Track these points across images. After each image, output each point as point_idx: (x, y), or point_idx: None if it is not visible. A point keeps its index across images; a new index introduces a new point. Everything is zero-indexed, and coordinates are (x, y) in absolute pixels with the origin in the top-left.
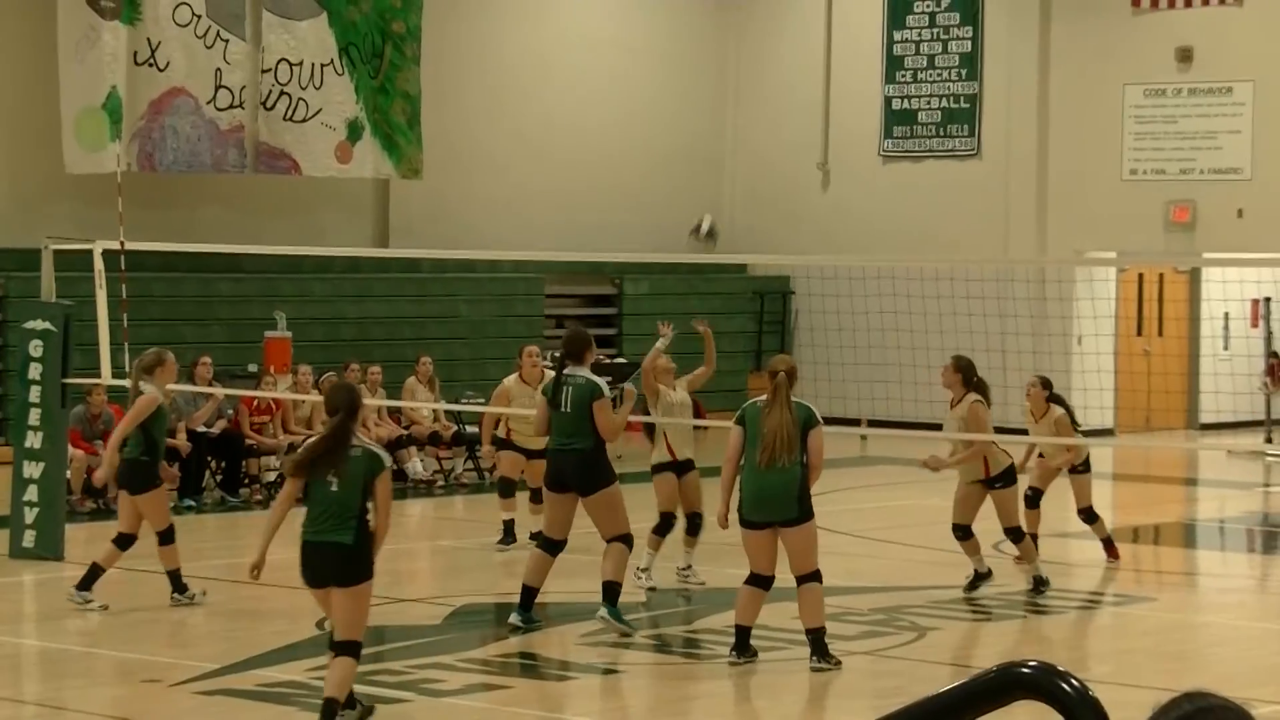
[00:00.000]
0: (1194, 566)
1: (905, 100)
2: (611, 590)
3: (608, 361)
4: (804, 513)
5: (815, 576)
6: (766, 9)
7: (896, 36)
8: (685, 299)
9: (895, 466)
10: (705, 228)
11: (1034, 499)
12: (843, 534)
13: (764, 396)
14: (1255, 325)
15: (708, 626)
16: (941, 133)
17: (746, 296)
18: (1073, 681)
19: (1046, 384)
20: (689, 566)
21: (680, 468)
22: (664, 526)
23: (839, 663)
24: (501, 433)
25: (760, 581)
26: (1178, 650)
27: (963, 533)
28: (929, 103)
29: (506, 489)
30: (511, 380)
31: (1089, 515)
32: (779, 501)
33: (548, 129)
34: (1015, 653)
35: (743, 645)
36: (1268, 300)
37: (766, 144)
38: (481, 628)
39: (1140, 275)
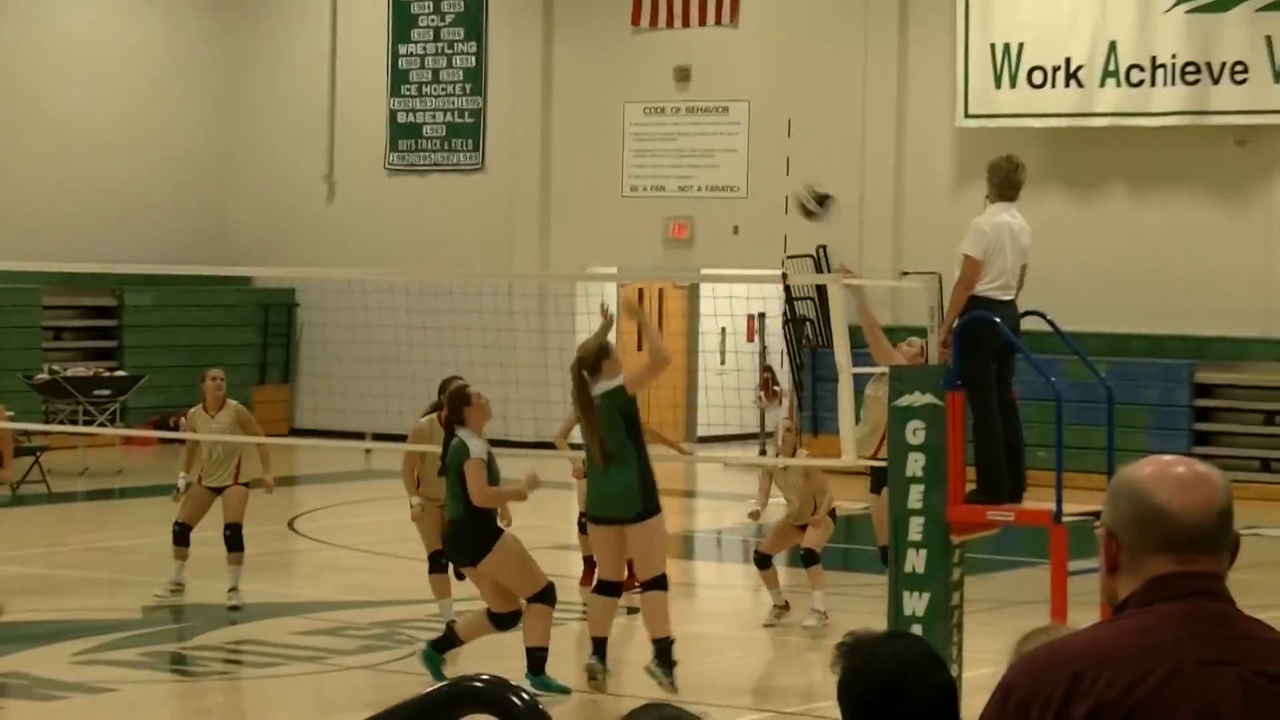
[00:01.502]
0: (692, 577)
1: (410, 114)
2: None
3: (108, 374)
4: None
5: (659, 583)
6: (273, 18)
7: (401, 50)
8: (189, 310)
9: (398, 480)
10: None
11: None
12: (345, 548)
13: None
14: (750, 339)
15: (205, 643)
16: (446, 147)
17: (251, 309)
18: (524, 695)
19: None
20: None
21: None
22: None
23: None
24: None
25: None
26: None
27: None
28: (434, 116)
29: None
30: (196, 411)
31: None
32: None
33: (47, 133)
34: (500, 665)
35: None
36: (762, 316)
37: (273, 155)
38: None
39: (640, 290)
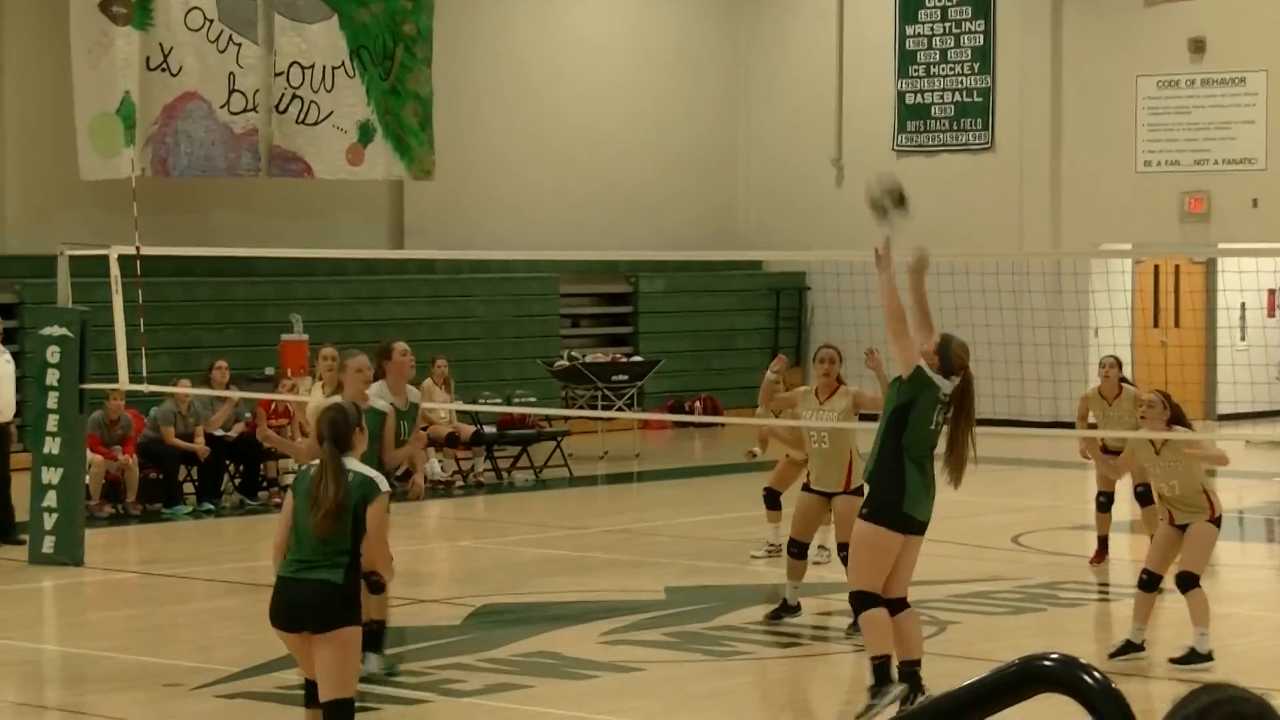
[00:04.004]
0: (1214, 558)
1: (918, 95)
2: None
3: (625, 360)
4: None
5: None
6: (778, 6)
7: (909, 31)
8: (700, 296)
9: None
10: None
11: (1107, 503)
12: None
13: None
14: (1271, 315)
15: (727, 623)
16: (955, 127)
17: (762, 293)
18: (1095, 674)
19: (1119, 364)
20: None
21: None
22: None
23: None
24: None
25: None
26: None
27: (799, 550)
28: (942, 97)
29: None
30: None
31: (1104, 500)
32: None
33: (560, 129)
34: (1035, 646)
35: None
36: None
37: (780, 140)
38: (502, 627)
39: (1156, 266)
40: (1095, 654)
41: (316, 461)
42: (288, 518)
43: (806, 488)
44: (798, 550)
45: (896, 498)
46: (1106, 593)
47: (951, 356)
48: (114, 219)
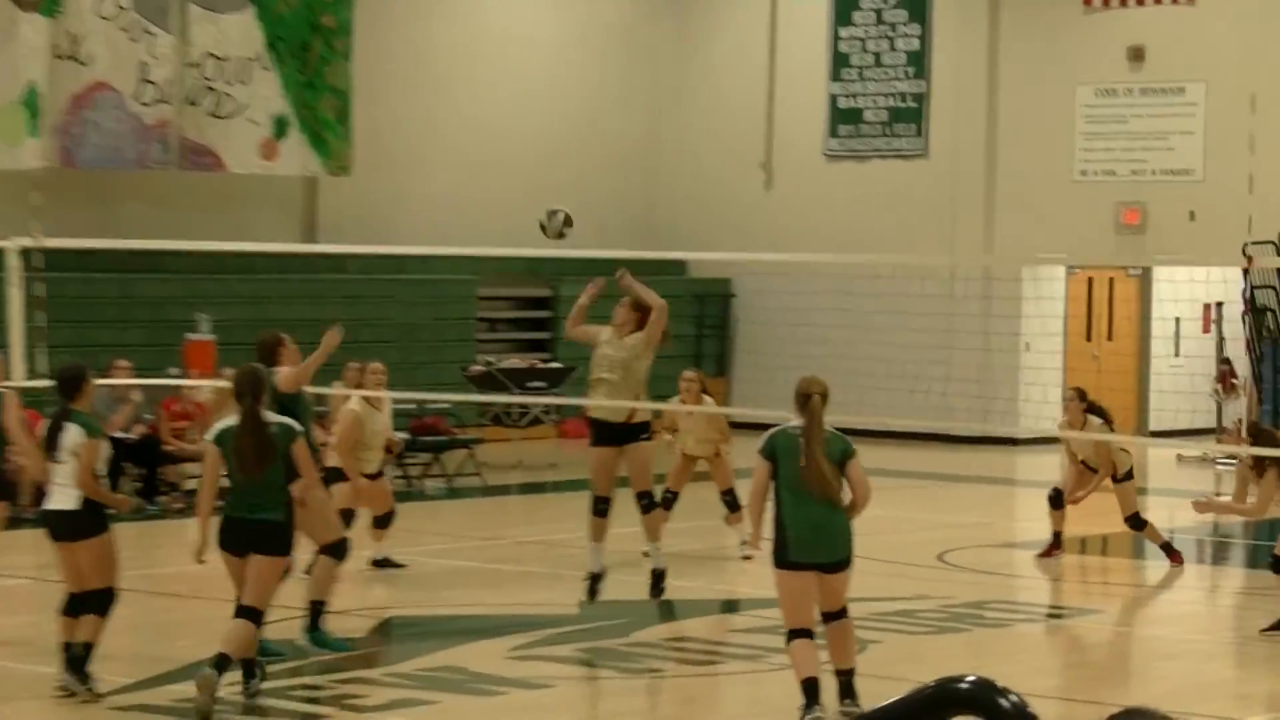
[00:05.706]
0: (1142, 578)
1: (851, 99)
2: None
3: (543, 366)
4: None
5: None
6: (709, 4)
7: (842, 34)
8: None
9: None
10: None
11: (1057, 499)
12: None
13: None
14: (1207, 330)
15: (642, 640)
16: (888, 132)
17: (686, 299)
18: (1011, 697)
19: (1082, 395)
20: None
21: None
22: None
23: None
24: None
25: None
26: (1125, 664)
27: (605, 507)
28: (875, 101)
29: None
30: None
31: (1136, 522)
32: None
33: (482, 127)
34: (957, 667)
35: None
36: (1220, 305)
37: (707, 143)
38: (408, 641)
39: (1090, 278)
40: (1017, 676)
41: (235, 418)
42: (212, 469)
43: (594, 441)
44: (605, 507)
45: (781, 545)
46: (1032, 614)
47: (797, 395)
48: (14, 210)
